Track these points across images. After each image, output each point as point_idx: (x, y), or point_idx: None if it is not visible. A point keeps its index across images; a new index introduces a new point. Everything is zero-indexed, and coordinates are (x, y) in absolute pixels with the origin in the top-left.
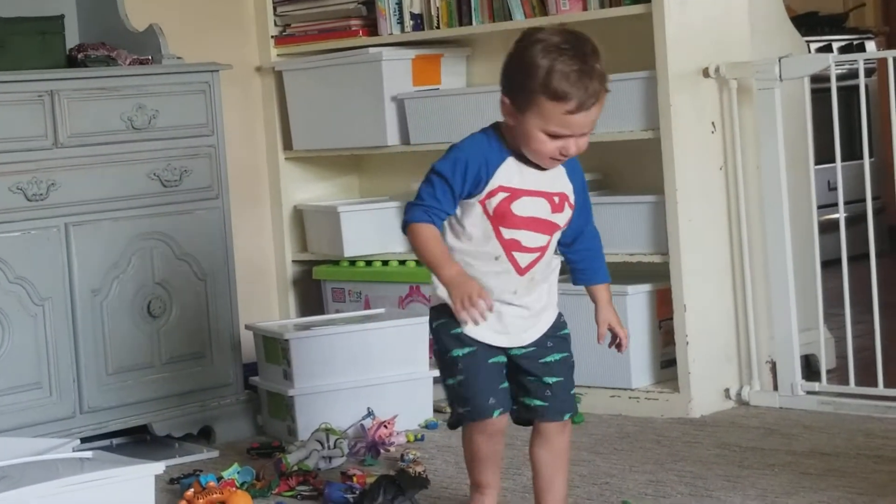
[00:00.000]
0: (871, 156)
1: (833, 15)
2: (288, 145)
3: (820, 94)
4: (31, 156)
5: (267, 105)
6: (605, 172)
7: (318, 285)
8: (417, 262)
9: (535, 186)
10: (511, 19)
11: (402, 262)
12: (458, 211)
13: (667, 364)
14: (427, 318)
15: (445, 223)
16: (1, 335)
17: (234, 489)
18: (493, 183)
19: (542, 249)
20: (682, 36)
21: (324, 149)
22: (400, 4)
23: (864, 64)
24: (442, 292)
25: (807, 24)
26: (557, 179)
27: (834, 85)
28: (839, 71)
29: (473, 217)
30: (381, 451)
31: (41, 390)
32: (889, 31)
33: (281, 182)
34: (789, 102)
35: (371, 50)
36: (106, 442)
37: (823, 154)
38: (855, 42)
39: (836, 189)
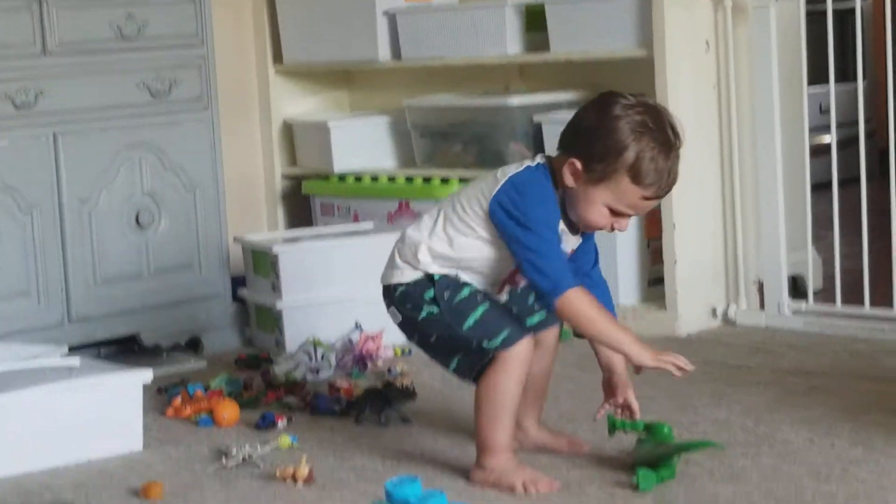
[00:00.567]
0: (863, 78)
1: None
2: (278, 59)
3: (814, 16)
4: (19, 63)
5: (257, 17)
6: (596, 91)
7: (307, 200)
8: (408, 179)
9: (569, 247)
10: None
11: (392, 178)
12: (489, 231)
13: (654, 282)
14: None
15: (458, 216)
16: None
17: (221, 398)
18: None
19: None
20: None
21: (314, 62)
22: None
23: None
24: (425, 265)
25: None
26: (578, 240)
27: (830, 4)
28: None
29: (504, 250)
30: (369, 364)
31: (29, 298)
32: None
33: (271, 95)
34: (783, 23)
35: None
36: (94, 351)
37: (814, 76)
38: None
39: (827, 112)
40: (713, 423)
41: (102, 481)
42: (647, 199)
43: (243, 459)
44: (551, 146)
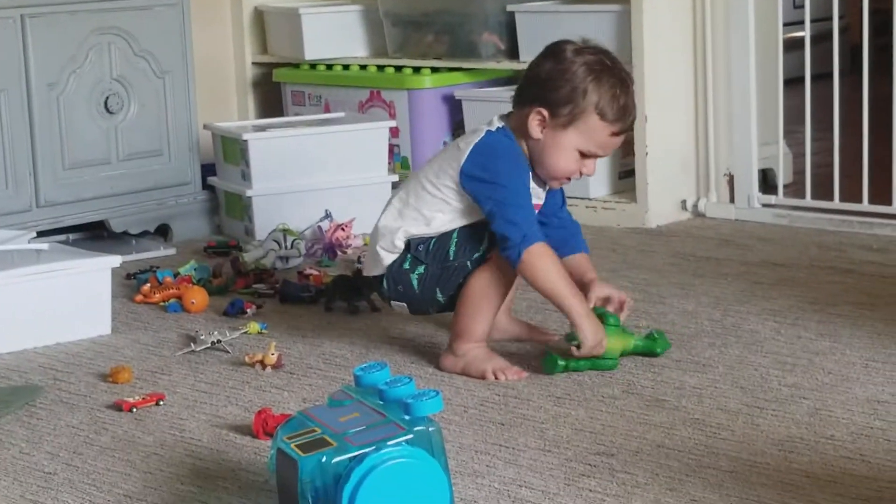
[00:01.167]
0: None
1: None
2: None
3: None
4: None
5: None
6: None
7: (277, 88)
8: (379, 68)
9: (538, 200)
10: None
11: (363, 67)
12: (463, 201)
13: (625, 175)
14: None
15: (430, 194)
16: None
17: (190, 285)
18: None
19: None
20: None
21: None
22: None
23: None
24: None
25: None
26: (545, 192)
27: None
28: None
29: (482, 216)
30: (338, 252)
31: None
32: None
33: None
34: None
35: None
36: (62, 237)
37: None
38: None
39: (801, 6)
40: (681, 314)
41: (71, 365)
42: (614, 134)
43: (212, 345)
44: (524, 36)
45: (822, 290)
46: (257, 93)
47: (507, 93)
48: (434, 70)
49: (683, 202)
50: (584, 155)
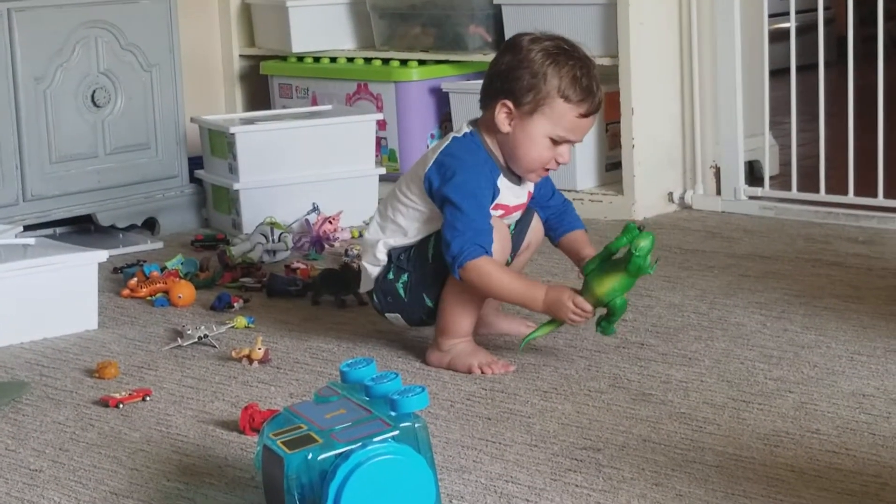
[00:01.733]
0: None
1: None
2: None
3: None
4: None
5: None
6: None
7: (265, 81)
8: (367, 60)
9: (518, 202)
10: None
11: (351, 59)
12: (432, 207)
13: (612, 167)
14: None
15: (402, 204)
16: None
17: (177, 279)
18: (496, 200)
19: None
20: None
21: None
22: None
23: None
24: (384, 261)
25: None
26: (528, 187)
27: None
28: None
29: None
30: (326, 246)
31: None
32: None
33: None
34: None
35: None
36: (49, 231)
37: None
38: None
39: None
40: (667, 307)
41: (57, 361)
42: (582, 116)
43: (199, 339)
44: (511, 29)
45: (808, 282)
46: (245, 86)
47: None
48: (421, 63)
49: (670, 194)
50: (555, 142)
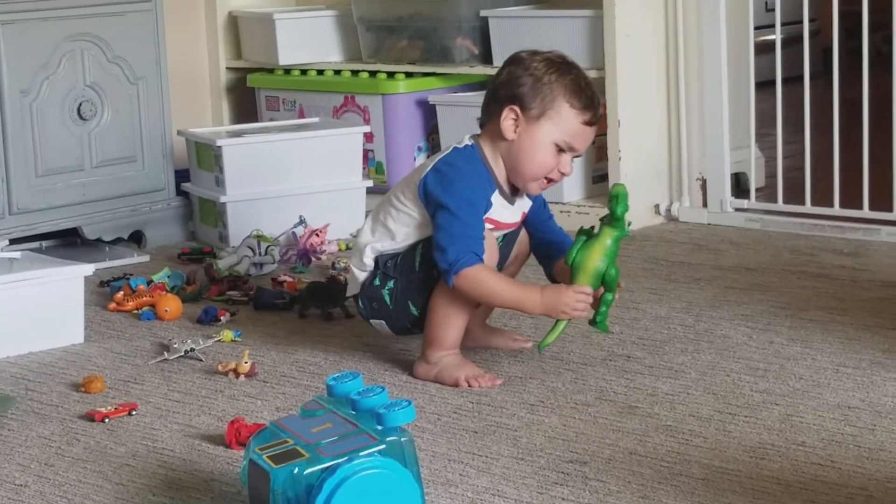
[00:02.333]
0: None
1: None
2: None
3: None
4: None
5: None
6: None
7: (252, 93)
8: (354, 73)
9: (510, 220)
10: None
11: (338, 72)
12: (425, 214)
13: (598, 179)
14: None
15: (395, 209)
16: None
17: (163, 293)
18: (487, 214)
19: None
20: None
21: None
22: None
23: None
24: (371, 266)
25: None
26: (522, 207)
27: None
28: None
29: None
30: (313, 258)
31: None
32: None
33: None
34: None
35: None
36: (35, 244)
37: None
38: None
39: (773, 10)
40: (654, 320)
41: (43, 375)
42: (586, 123)
43: (185, 353)
44: (498, 41)
45: (794, 294)
46: (231, 98)
47: (482, 97)
48: (408, 75)
49: (657, 206)
50: (559, 150)
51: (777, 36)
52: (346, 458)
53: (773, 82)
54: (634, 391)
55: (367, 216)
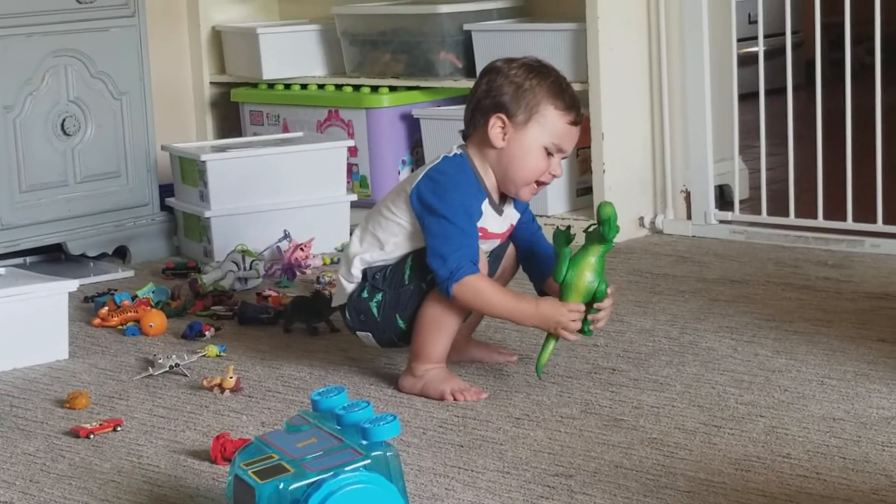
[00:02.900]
0: None
1: None
2: None
3: None
4: None
5: None
6: None
7: (236, 108)
8: (337, 87)
9: (498, 230)
10: None
11: (321, 86)
12: (415, 224)
13: (583, 192)
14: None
15: (385, 218)
16: None
17: (148, 308)
18: (479, 223)
19: None
20: None
21: None
22: None
23: None
24: (359, 277)
25: None
26: (510, 218)
27: None
28: None
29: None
30: (297, 273)
31: None
32: None
33: (199, 1)
34: None
35: None
36: (19, 260)
37: None
38: None
39: (756, 22)
40: (638, 332)
41: (27, 391)
42: (572, 123)
43: (170, 368)
44: (481, 55)
45: (779, 306)
46: (215, 113)
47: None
48: (392, 89)
49: (641, 219)
50: (548, 153)
51: (760, 48)
52: (331, 473)
53: (756, 94)
54: (619, 404)
55: (351, 230)
